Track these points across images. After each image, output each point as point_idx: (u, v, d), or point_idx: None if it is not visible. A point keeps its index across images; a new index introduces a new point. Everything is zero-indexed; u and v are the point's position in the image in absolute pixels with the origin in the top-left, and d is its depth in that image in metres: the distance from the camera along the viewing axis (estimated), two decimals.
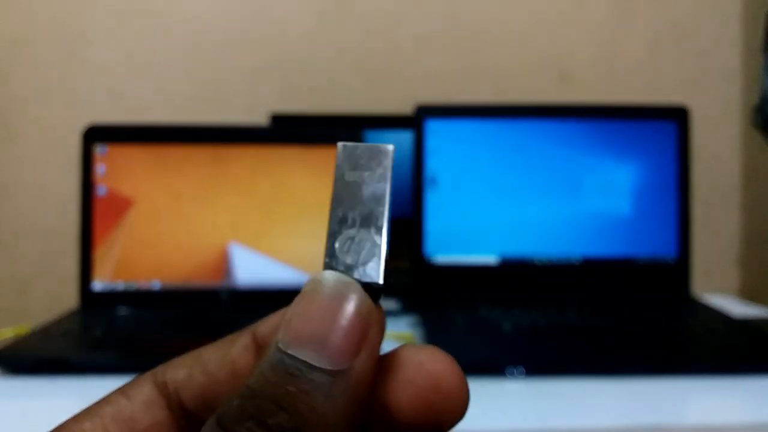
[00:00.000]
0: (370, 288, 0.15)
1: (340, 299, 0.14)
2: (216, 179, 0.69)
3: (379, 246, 0.15)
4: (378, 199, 0.16)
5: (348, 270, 0.15)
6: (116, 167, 0.69)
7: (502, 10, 0.91)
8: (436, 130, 0.73)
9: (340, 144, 0.16)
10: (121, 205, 0.68)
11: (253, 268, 0.68)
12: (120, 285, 0.67)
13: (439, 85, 0.90)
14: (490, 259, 0.72)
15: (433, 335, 0.57)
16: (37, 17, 0.88)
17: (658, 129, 0.73)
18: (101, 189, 0.68)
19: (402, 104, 0.78)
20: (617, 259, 0.72)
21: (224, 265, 0.68)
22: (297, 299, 0.14)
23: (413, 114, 0.73)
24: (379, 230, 0.16)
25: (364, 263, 0.15)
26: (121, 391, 0.16)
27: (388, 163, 0.16)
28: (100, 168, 0.68)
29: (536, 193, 0.72)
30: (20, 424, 0.44)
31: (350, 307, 0.13)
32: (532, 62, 0.91)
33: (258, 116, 0.85)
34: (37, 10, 0.88)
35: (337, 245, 0.15)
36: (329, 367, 0.13)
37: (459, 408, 0.14)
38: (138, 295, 0.67)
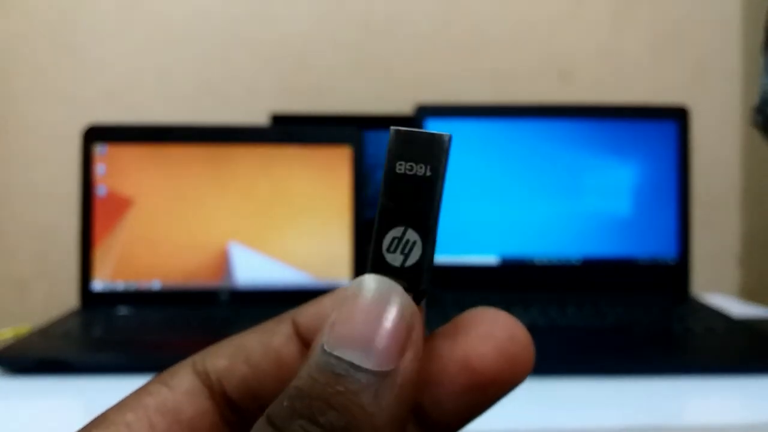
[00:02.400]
0: (413, 290, 0.14)
1: (383, 303, 0.14)
2: (216, 179, 0.69)
3: (426, 248, 0.15)
4: (428, 195, 0.15)
5: (393, 271, 0.14)
6: (116, 167, 0.69)
7: (502, 10, 0.91)
8: (436, 130, 0.73)
9: (392, 129, 0.15)
10: (121, 205, 0.68)
11: (253, 268, 0.68)
12: (120, 285, 0.67)
13: (439, 85, 0.90)
14: (490, 259, 0.72)
15: None
16: (36, 17, 0.88)
17: (658, 129, 0.73)
18: (101, 189, 0.68)
19: (402, 104, 0.78)
20: (617, 259, 0.72)
21: (224, 265, 0.68)
22: (340, 302, 0.14)
23: (413, 114, 0.73)
24: (425, 230, 0.15)
25: (410, 265, 0.15)
26: (160, 380, 0.16)
27: (443, 154, 0.15)
28: (100, 168, 0.68)
29: (536, 193, 0.72)
30: (20, 424, 0.44)
31: (393, 310, 0.14)
32: (532, 62, 0.91)
33: (258, 116, 0.85)
34: (37, 10, 0.88)
35: (383, 244, 0.15)
36: (376, 368, 0.13)
37: (531, 357, 0.15)
38: (138, 295, 0.67)
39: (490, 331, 0.15)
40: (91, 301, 0.67)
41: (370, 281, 0.14)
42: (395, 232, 0.15)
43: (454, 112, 0.73)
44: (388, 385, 0.13)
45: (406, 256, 0.15)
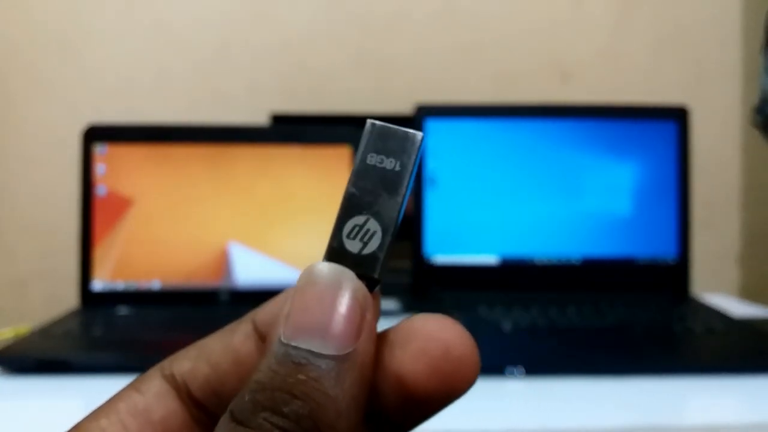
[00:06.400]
0: (366, 278, 0.15)
1: (335, 289, 0.14)
2: (216, 179, 0.69)
3: (384, 239, 0.15)
4: (394, 189, 0.15)
5: (350, 257, 0.15)
6: (116, 167, 0.69)
7: (502, 10, 0.91)
8: (436, 130, 0.73)
9: (368, 122, 0.15)
10: (121, 205, 0.68)
11: (253, 268, 0.68)
12: (120, 285, 0.67)
13: (439, 85, 0.90)
14: (490, 259, 0.72)
15: None
16: (36, 17, 0.88)
17: (658, 129, 0.73)
18: (101, 189, 0.68)
19: (402, 104, 0.78)
20: (617, 259, 0.72)
21: (224, 265, 0.68)
22: (293, 292, 0.14)
23: (413, 114, 0.73)
24: (387, 222, 0.15)
25: (367, 254, 0.15)
26: (132, 386, 0.16)
27: (414, 151, 0.15)
28: (100, 168, 0.68)
29: (536, 193, 0.72)
30: (20, 424, 0.44)
31: (347, 295, 0.14)
32: (532, 62, 0.91)
33: (258, 116, 0.85)
34: (37, 10, 0.88)
35: (344, 230, 0.15)
36: (334, 353, 0.13)
37: (470, 374, 0.15)
38: (138, 295, 0.67)
39: (424, 347, 0.15)
40: (91, 301, 0.67)
41: (322, 268, 0.14)
42: (357, 219, 0.15)
43: (454, 112, 0.73)
44: (348, 368, 0.13)
45: (365, 244, 0.15)
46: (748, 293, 0.90)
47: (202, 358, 0.16)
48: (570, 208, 0.72)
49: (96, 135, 0.69)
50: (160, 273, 0.68)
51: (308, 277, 0.14)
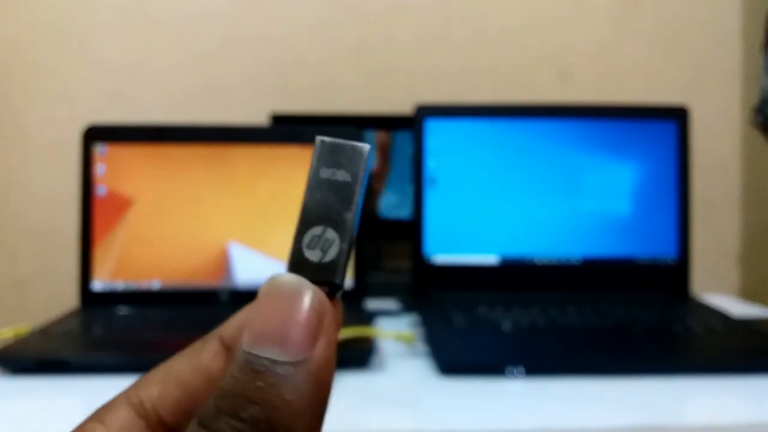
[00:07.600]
0: (328, 284, 0.15)
1: (294, 298, 0.15)
2: (216, 179, 0.69)
3: (342, 246, 0.16)
4: (347, 199, 0.16)
5: (311, 266, 0.16)
6: (116, 167, 0.69)
7: (501, 9, 0.91)
8: (436, 130, 0.73)
9: (318, 139, 0.16)
10: (120, 205, 0.68)
11: (252, 268, 0.68)
12: (120, 285, 0.67)
13: (439, 85, 0.90)
14: (490, 259, 0.72)
15: (433, 335, 0.57)
16: (37, 17, 0.88)
17: (658, 129, 0.73)
18: (101, 189, 0.68)
19: (402, 104, 0.78)
20: (617, 259, 0.72)
21: (224, 264, 0.68)
22: (256, 302, 0.15)
23: (413, 114, 0.73)
24: (343, 230, 0.16)
25: (327, 262, 0.16)
26: (96, 418, 0.16)
27: (362, 163, 0.16)
28: (99, 168, 0.68)
29: (536, 193, 0.72)
30: (20, 424, 0.44)
31: (305, 304, 0.15)
32: (532, 62, 0.91)
33: (258, 116, 0.85)
34: (38, 10, 0.88)
35: (304, 241, 0.16)
36: (291, 360, 0.14)
37: None
38: (138, 295, 0.67)
39: None
40: (91, 301, 0.67)
41: (281, 279, 0.15)
42: (315, 230, 0.16)
43: (454, 112, 0.73)
44: (304, 373, 0.14)
45: (325, 253, 0.16)
46: (748, 293, 0.90)
47: (171, 381, 0.16)
48: (570, 208, 0.72)
49: (96, 135, 0.69)
50: (160, 273, 0.68)
51: (269, 288, 0.15)
